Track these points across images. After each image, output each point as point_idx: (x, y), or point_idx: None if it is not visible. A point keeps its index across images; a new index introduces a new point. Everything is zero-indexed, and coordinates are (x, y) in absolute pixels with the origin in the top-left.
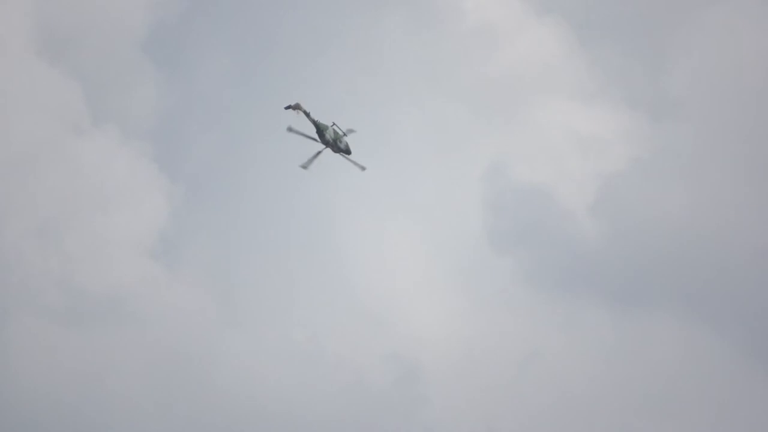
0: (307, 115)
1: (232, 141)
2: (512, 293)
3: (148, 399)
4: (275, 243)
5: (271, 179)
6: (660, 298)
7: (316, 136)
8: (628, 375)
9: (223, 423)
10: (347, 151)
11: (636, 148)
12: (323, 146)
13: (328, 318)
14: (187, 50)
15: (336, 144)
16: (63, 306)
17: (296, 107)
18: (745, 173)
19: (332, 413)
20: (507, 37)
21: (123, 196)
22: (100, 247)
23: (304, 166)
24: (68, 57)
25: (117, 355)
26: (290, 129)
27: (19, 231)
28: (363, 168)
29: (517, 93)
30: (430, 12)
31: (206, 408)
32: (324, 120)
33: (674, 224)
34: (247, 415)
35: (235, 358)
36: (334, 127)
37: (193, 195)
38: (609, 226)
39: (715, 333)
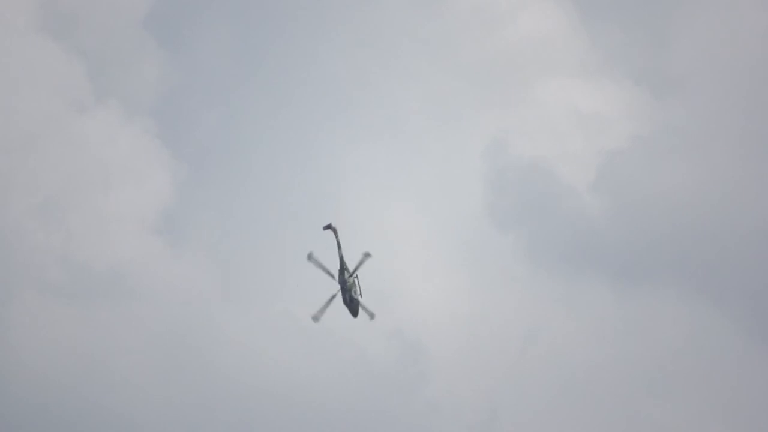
0: (338, 246)
1: (235, 118)
2: (514, 270)
3: (148, 374)
4: (278, 220)
5: (274, 156)
6: (662, 274)
7: (333, 274)
8: (630, 351)
9: (224, 400)
10: (354, 311)
11: (638, 124)
12: (337, 285)
13: (330, 296)
14: (190, 27)
15: (350, 293)
16: (65, 282)
17: (334, 231)
18: (746, 149)
19: (335, 390)
20: (508, 14)
21: (126, 172)
22: (103, 223)
23: (315, 318)
24: (71, 34)
25: (118, 331)
26: (310, 257)
27: (22, 207)
28: (372, 316)
29: (518, 70)
30: None
31: (207, 385)
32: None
33: (676, 200)
34: (249, 392)
35: (237, 335)
36: (356, 278)
37: (196, 172)
38: (610, 202)
39: (718, 309)
